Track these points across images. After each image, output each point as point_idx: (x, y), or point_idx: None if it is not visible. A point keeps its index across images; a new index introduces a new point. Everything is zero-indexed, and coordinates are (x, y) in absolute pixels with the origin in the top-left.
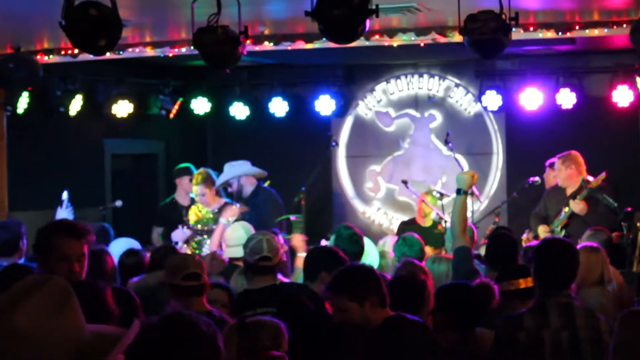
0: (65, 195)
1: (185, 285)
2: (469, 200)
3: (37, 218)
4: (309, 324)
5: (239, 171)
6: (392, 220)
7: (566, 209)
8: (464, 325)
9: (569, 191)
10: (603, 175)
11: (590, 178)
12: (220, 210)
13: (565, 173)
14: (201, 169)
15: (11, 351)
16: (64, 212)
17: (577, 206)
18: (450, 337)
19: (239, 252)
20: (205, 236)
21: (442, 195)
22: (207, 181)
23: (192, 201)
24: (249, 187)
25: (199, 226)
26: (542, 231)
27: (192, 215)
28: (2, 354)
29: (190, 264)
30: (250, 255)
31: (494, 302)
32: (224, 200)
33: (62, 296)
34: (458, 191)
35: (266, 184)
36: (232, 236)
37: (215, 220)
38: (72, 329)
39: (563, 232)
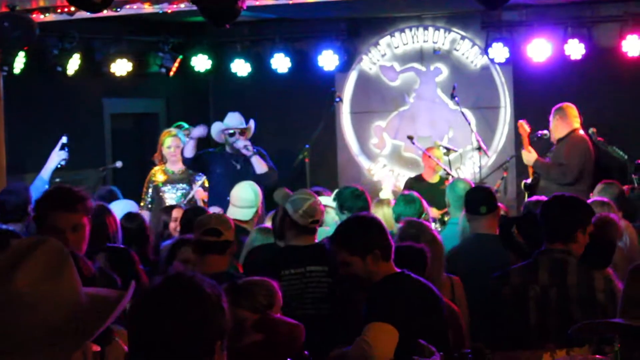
0: (64, 139)
1: (203, 241)
2: (476, 155)
3: None
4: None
5: (250, 124)
6: (398, 177)
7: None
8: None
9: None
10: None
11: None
12: (183, 175)
13: (553, 124)
14: (179, 124)
15: (11, 315)
16: (56, 155)
17: (525, 155)
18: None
19: (246, 215)
20: (182, 190)
21: (448, 150)
22: (182, 136)
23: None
24: None
25: (174, 184)
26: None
27: (160, 176)
28: (1, 318)
29: (213, 220)
30: (303, 217)
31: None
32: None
33: (59, 258)
34: None
35: None
36: (242, 197)
37: (187, 180)
38: (69, 293)
39: (531, 178)
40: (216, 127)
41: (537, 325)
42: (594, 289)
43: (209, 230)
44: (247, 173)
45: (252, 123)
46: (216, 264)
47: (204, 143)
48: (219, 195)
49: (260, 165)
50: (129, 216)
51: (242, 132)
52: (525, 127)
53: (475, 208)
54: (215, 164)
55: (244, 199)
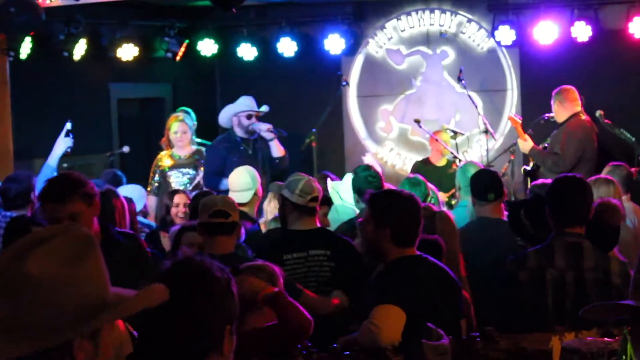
0: (68, 125)
1: (212, 222)
2: (483, 138)
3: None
4: (363, 268)
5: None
6: (405, 160)
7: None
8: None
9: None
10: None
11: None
12: (190, 159)
13: (554, 108)
14: (182, 109)
15: (20, 296)
16: (62, 141)
17: (521, 144)
18: None
19: (244, 197)
20: (188, 175)
21: (455, 133)
22: (189, 121)
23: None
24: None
25: (180, 169)
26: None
27: (167, 160)
28: (12, 297)
29: (220, 201)
30: (300, 196)
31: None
32: (195, 147)
33: (82, 247)
34: None
35: None
36: (238, 182)
37: (193, 164)
38: (88, 282)
39: (531, 164)
40: (229, 111)
41: (554, 309)
42: (610, 272)
43: (217, 212)
44: (260, 157)
45: (265, 108)
46: (224, 245)
47: (209, 130)
48: None
49: (277, 149)
50: None
51: (256, 115)
52: (515, 119)
53: (483, 194)
54: (231, 154)
55: (241, 182)
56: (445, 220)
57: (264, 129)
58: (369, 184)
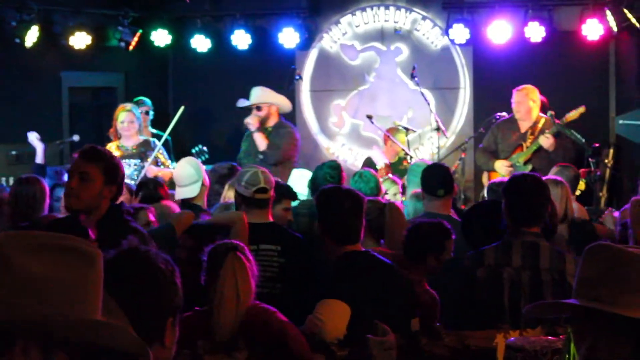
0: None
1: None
2: (435, 135)
3: None
4: (313, 265)
5: (275, 100)
6: (356, 156)
7: (528, 144)
8: None
9: (525, 125)
10: (581, 109)
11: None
12: (136, 150)
13: (526, 106)
14: (140, 98)
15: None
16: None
17: (547, 141)
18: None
19: (192, 191)
20: (135, 165)
21: (407, 130)
22: (137, 111)
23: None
24: (272, 120)
25: (126, 160)
26: (502, 165)
27: (115, 152)
28: None
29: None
30: (246, 187)
31: None
32: (142, 138)
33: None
34: None
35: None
36: (183, 175)
37: (138, 155)
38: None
39: (529, 167)
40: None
41: (510, 308)
42: (565, 273)
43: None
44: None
45: (262, 97)
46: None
47: (161, 120)
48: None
49: (260, 142)
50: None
51: (259, 108)
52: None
53: (433, 189)
54: (245, 142)
55: (185, 176)
56: (395, 211)
57: (245, 121)
58: (325, 181)
